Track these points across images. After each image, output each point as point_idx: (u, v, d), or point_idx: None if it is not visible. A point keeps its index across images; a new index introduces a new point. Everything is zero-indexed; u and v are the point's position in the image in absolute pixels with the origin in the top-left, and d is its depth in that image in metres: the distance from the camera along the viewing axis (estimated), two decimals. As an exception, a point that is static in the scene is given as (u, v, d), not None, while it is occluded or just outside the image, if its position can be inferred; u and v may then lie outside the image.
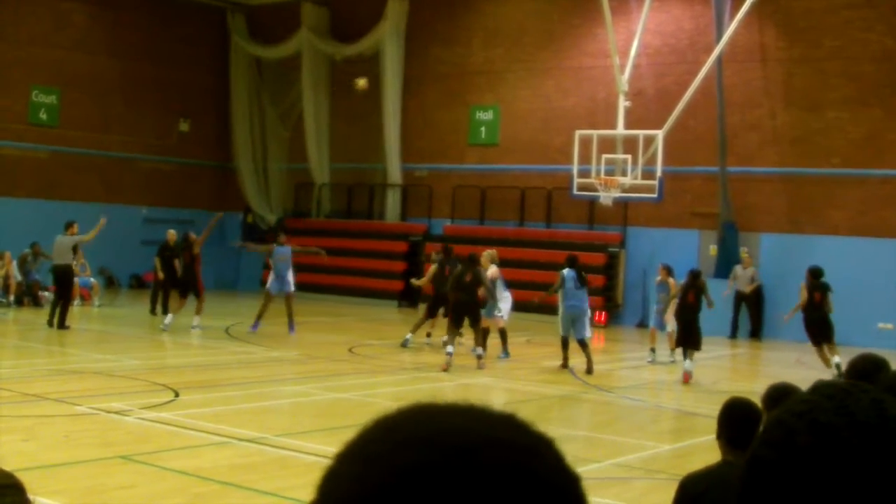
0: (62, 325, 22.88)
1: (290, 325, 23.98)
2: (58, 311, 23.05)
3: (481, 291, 19.68)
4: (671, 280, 21.70)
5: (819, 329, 20.47)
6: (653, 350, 22.30)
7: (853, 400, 1.35)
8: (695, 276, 19.57)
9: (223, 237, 34.63)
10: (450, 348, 18.98)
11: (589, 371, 19.38)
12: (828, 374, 18.69)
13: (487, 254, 21.24)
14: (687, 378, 18.83)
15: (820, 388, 1.40)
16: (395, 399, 15.59)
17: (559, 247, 28.78)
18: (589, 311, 20.36)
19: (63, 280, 23.34)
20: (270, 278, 24.44)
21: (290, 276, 24.46)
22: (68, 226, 23.91)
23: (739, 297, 28.20)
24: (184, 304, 23.81)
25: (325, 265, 30.32)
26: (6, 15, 33.02)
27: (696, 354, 19.39)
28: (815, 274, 20.92)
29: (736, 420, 5.23)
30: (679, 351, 19.75)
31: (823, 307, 20.57)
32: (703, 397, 17.27)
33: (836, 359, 19.59)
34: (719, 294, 27.24)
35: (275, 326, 24.05)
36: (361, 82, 28.54)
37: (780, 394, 5.59)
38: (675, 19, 30.97)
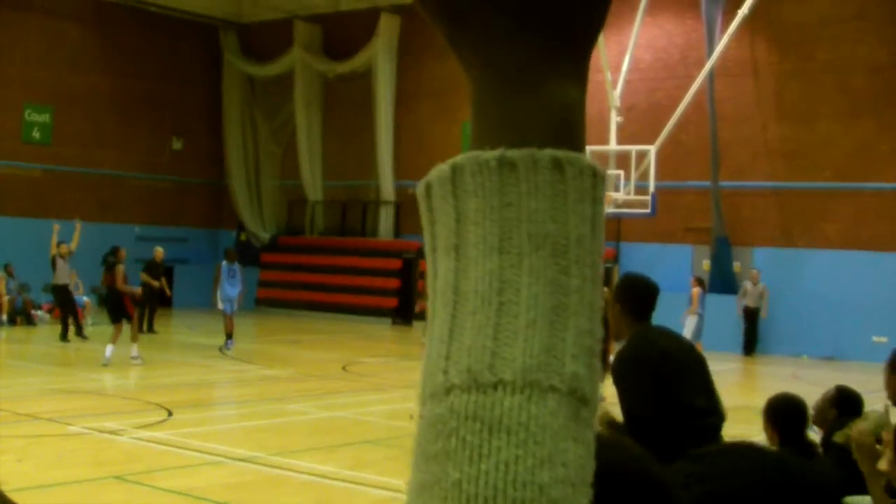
0: (67, 337, 24.52)
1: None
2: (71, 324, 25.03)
3: None
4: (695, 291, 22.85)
5: None
6: None
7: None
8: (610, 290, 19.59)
9: (216, 256, 34.55)
10: None
11: None
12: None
13: None
14: None
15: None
16: (389, 417, 15.55)
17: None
18: None
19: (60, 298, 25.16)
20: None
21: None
22: (58, 246, 25.28)
23: (749, 313, 28.06)
24: (120, 330, 20.92)
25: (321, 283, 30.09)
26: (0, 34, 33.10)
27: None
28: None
29: (637, 293, 6.15)
30: None
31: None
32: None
33: None
34: (722, 310, 27.26)
35: (267, 344, 23.96)
36: None
37: (845, 397, 6.03)
38: (667, 34, 31.03)
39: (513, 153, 0.70)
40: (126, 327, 20.90)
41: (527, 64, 0.73)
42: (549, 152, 0.70)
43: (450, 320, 0.70)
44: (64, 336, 24.55)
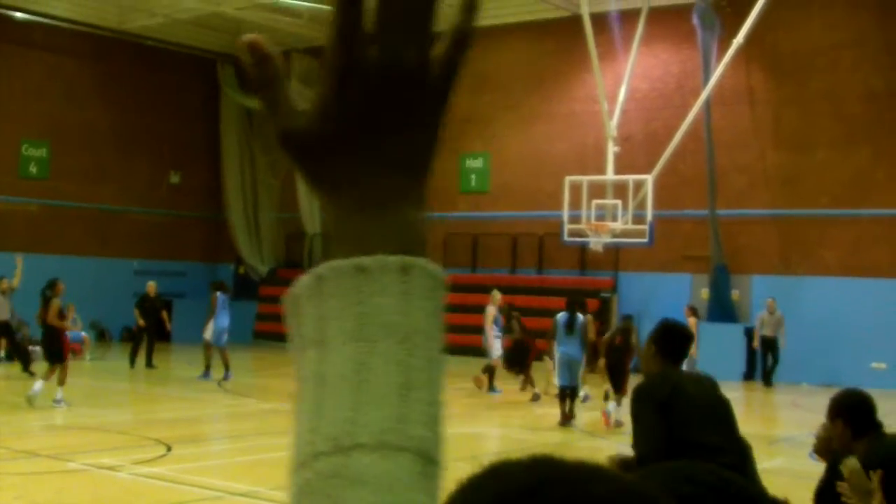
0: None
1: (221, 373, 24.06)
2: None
3: None
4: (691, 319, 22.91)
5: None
6: None
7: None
8: (625, 319, 20.11)
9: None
10: None
11: (564, 422, 18.60)
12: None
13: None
14: (606, 420, 18.14)
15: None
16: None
17: (551, 293, 28.74)
18: (582, 361, 19.06)
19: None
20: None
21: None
22: None
23: (767, 343, 27.61)
24: (54, 371, 19.32)
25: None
26: (-4, 69, 33.18)
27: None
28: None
29: (672, 339, 6.42)
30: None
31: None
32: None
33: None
34: (721, 339, 27.22)
35: (266, 378, 23.88)
36: None
37: (854, 401, 6.00)
38: (663, 63, 31.13)
39: (365, 260, 0.85)
40: (75, 364, 20.35)
41: (376, 194, 0.88)
42: (397, 258, 0.85)
43: (315, 400, 0.85)
44: (25, 368, 24.07)
